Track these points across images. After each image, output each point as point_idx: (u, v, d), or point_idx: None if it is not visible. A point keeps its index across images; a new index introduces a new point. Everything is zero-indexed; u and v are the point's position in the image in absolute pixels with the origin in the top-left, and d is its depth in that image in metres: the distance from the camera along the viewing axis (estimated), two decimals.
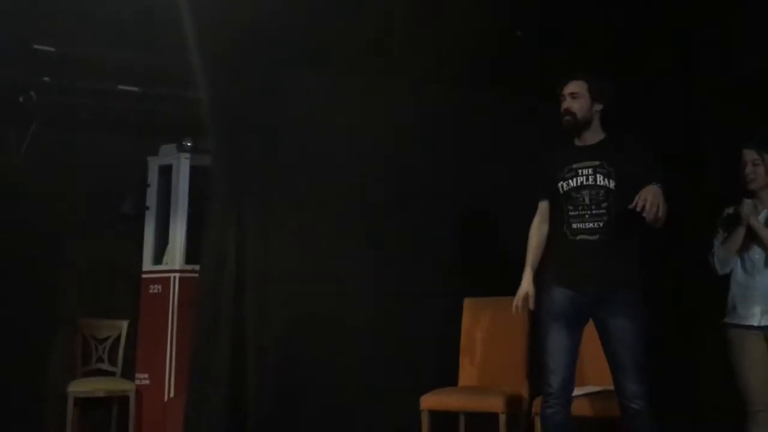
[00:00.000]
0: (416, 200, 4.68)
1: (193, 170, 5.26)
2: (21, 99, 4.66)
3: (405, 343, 4.49)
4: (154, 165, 5.42)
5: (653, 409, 2.94)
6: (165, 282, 5.19)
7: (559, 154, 3.22)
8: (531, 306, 3.17)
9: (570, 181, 3.12)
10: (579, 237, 3.07)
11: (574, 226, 3.09)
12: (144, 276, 5.30)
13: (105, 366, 5.24)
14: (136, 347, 5.23)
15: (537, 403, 3.59)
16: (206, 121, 4.60)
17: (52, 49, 4.28)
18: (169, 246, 5.31)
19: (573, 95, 3.16)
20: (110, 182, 5.36)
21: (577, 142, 3.22)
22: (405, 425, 3.97)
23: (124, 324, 5.31)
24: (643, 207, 2.83)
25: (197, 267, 4.88)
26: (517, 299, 3.20)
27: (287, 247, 4.58)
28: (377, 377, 4.45)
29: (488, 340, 4.11)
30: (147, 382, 5.08)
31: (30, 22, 3.98)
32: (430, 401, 3.77)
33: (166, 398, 4.99)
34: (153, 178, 5.41)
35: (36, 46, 4.19)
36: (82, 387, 4.94)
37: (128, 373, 5.20)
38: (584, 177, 3.10)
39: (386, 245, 4.58)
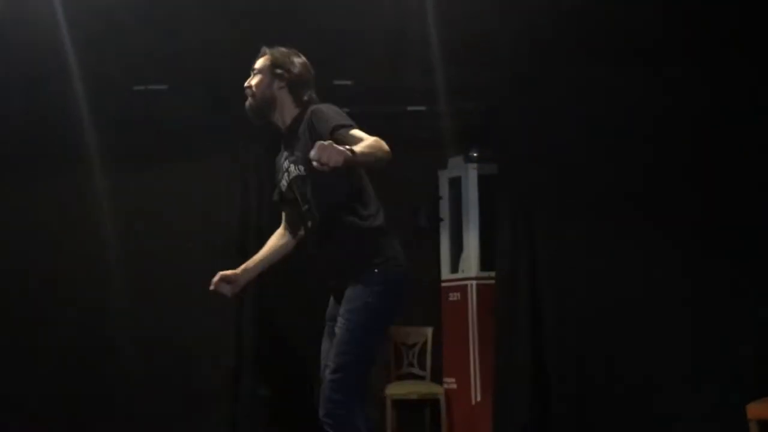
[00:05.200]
0: (725, 196, 4.29)
1: (482, 179, 5.39)
2: None
3: (717, 347, 4.14)
4: (444, 178, 5.66)
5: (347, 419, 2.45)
6: (463, 289, 5.38)
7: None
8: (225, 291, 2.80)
9: (283, 178, 2.71)
10: (309, 239, 2.71)
11: (301, 227, 2.75)
12: (443, 284, 5.55)
13: (415, 370, 5.57)
14: (441, 352, 5.49)
15: None
16: (491, 131, 4.71)
17: (349, 83, 4.71)
18: (464, 254, 5.50)
19: (254, 71, 2.71)
20: (405, 198, 5.72)
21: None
22: None
23: (429, 331, 5.60)
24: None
25: (493, 273, 5.00)
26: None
27: (579, 248, 4.50)
28: (686, 380, 4.17)
29: None
30: (454, 386, 5.30)
31: (330, 61, 4.41)
32: (759, 411, 3.42)
33: (473, 401, 5.16)
34: (444, 190, 5.65)
35: (336, 82, 4.64)
36: (397, 390, 5.31)
37: (436, 377, 5.47)
38: (287, 172, 2.68)
39: (691, 246, 4.28)
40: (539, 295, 4.59)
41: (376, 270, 2.54)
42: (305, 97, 2.69)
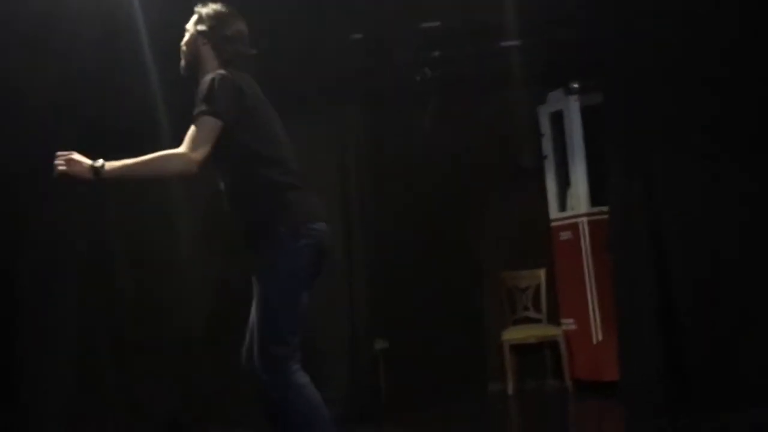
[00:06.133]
0: None
1: (585, 111, 5.13)
2: (418, 78, 5.05)
3: None
4: (544, 113, 5.45)
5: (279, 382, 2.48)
6: (574, 227, 5.20)
7: None
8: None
9: None
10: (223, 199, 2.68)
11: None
12: (553, 224, 5.39)
13: (531, 314, 5.48)
14: (557, 293, 5.35)
15: None
16: (593, 59, 4.44)
17: (438, 24, 4.54)
18: (572, 191, 5.30)
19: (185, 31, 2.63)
20: (505, 138, 5.54)
21: None
22: None
23: (542, 272, 5.47)
24: None
25: (604, 208, 4.78)
26: None
27: (697, 175, 4.20)
28: None
29: None
30: (573, 326, 5.16)
31: (416, 4, 4.27)
32: None
33: (594, 341, 5.02)
34: (545, 126, 5.45)
35: (424, 25, 4.48)
36: (515, 335, 5.24)
37: (553, 319, 5.36)
38: None
39: None
40: (657, 227, 4.34)
41: (282, 228, 2.50)
42: (228, 56, 2.60)
